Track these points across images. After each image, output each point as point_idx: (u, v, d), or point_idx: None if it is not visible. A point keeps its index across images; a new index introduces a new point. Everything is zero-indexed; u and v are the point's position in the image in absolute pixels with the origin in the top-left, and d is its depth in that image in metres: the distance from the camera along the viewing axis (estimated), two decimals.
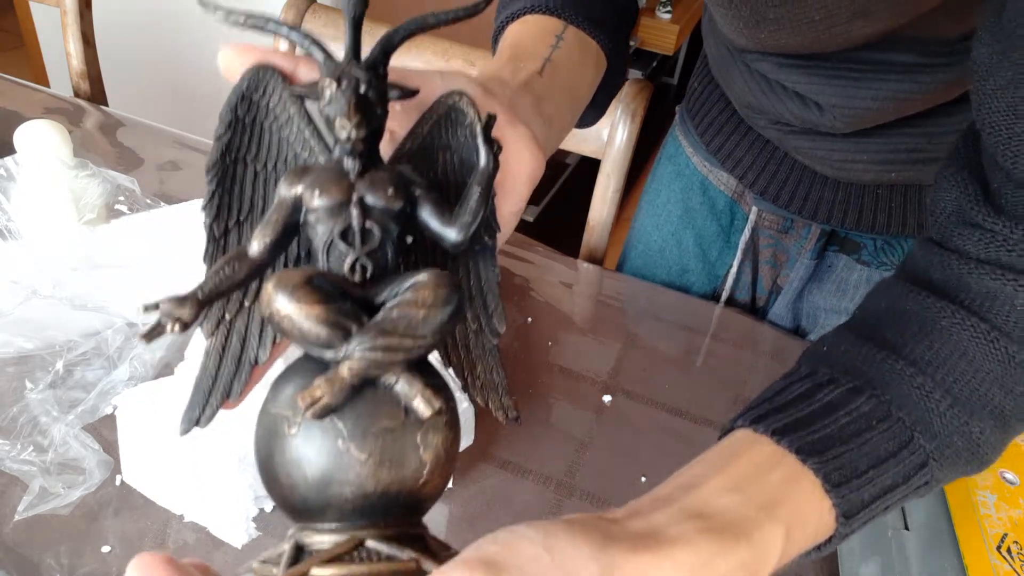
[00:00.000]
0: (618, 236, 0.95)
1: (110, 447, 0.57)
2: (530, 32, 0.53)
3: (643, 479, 0.61)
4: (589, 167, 1.07)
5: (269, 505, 0.55)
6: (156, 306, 0.32)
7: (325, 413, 0.30)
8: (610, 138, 0.91)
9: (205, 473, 0.51)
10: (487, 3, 0.38)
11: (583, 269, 0.87)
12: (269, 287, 0.31)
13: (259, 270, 0.34)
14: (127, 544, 0.52)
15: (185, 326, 0.32)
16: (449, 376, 0.38)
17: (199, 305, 0.32)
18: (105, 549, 0.51)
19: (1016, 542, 0.53)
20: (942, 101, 0.59)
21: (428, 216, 0.35)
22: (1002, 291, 0.40)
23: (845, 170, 0.67)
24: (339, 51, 0.36)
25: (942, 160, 0.45)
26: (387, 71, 0.36)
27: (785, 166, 0.72)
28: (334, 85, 0.33)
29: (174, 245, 0.72)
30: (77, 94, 1.11)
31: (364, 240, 0.33)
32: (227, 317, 0.35)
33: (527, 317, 0.76)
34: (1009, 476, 0.59)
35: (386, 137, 0.38)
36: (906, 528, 0.54)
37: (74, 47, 1.09)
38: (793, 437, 0.39)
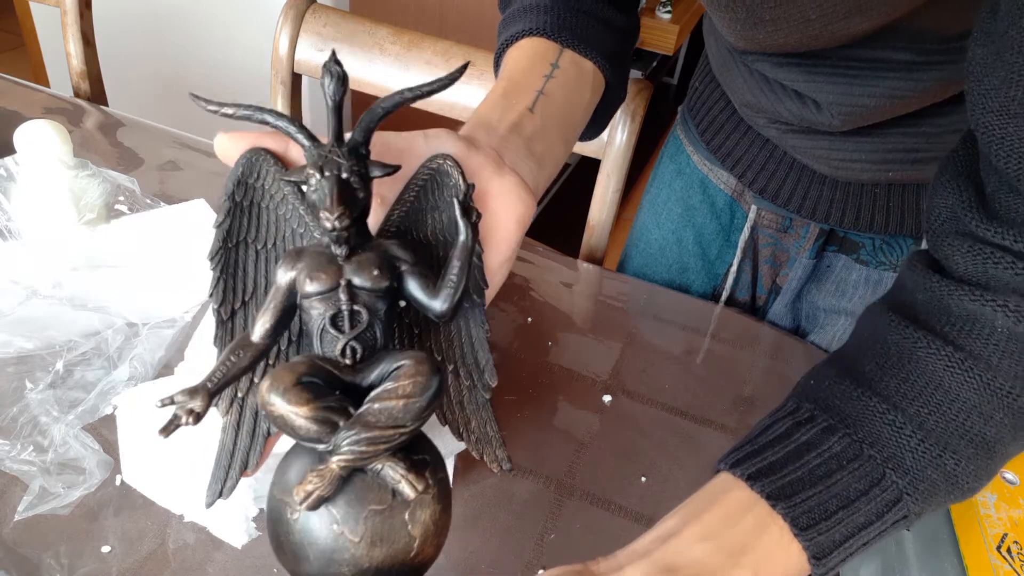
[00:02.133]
0: (618, 236, 0.95)
1: (110, 447, 0.57)
2: (526, 59, 0.54)
3: (643, 479, 0.61)
4: (589, 167, 1.07)
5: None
6: (171, 400, 0.34)
7: (319, 504, 0.33)
8: (610, 138, 0.91)
9: (205, 473, 0.51)
10: (460, 74, 0.40)
11: (583, 269, 0.87)
12: (263, 388, 0.33)
13: (263, 353, 0.37)
14: (127, 544, 0.52)
15: (198, 417, 0.34)
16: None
17: (210, 395, 0.35)
18: (105, 549, 0.51)
19: (1016, 542, 0.53)
20: (938, 100, 0.59)
21: (414, 289, 0.37)
22: (982, 313, 0.40)
23: (843, 169, 0.67)
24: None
25: (939, 163, 0.45)
26: (368, 151, 0.37)
27: (784, 165, 0.73)
28: (317, 175, 0.35)
29: (174, 245, 0.72)
30: (77, 94, 1.11)
31: (352, 324, 0.36)
32: (239, 395, 0.38)
33: (527, 317, 0.76)
34: (1009, 476, 0.59)
35: (377, 202, 0.40)
36: (906, 528, 0.54)
37: (74, 47, 1.10)
38: (765, 482, 0.40)
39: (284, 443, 0.38)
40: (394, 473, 0.33)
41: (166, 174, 0.88)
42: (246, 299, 0.39)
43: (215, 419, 0.38)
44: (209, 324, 0.57)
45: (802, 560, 0.40)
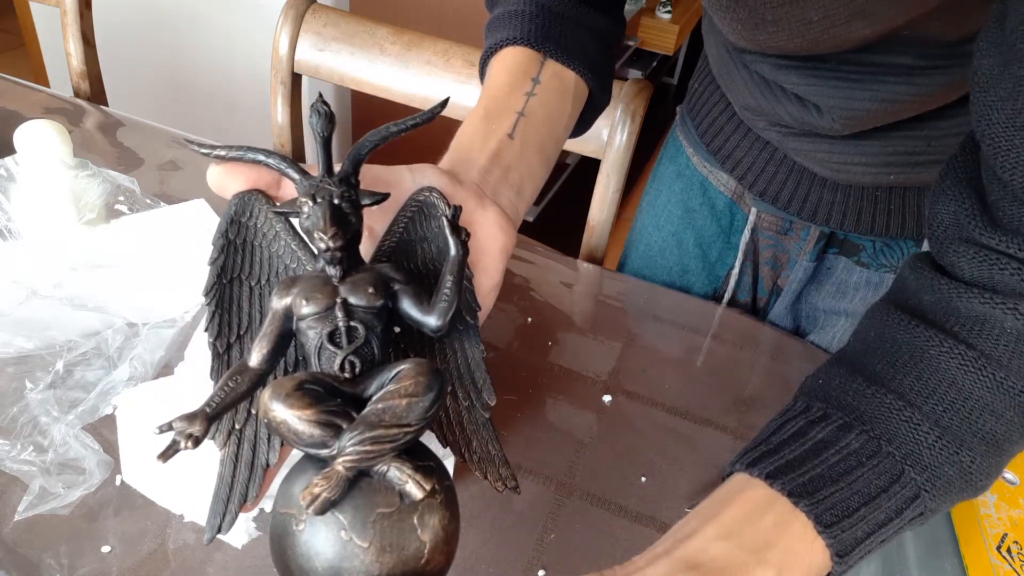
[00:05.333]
0: (618, 236, 0.95)
1: (110, 447, 0.57)
2: (507, 74, 0.55)
3: (643, 479, 0.61)
4: (589, 167, 1.07)
5: (269, 504, 0.55)
6: (170, 426, 0.34)
7: (326, 508, 0.32)
8: (610, 138, 0.91)
9: (205, 473, 0.51)
10: (442, 108, 0.42)
11: (583, 269, 0.87)
12: (264, 396, 0.33)
13: (261, 379, 0.36)
14: (127, 544, 0.52)
15: (197, 441, 0.34)
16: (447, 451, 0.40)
17: (208, 420, 0.34)
18: (105, 549, 0.51)
19: (1016, 542, 0.53)
20: (940, 104, 0.59)
21: (409, 307, 0.38)
22: (991, 315, 0.40)
23: (844, 172, 0.67)
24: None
25: (940, 170, 0.45)
26: (358, 181, 0.38)
27: (784, 168, 0.72)
28: (310, 202, 0.36)
29: (174, 245, 0.72)
30: (77, 94, 1.11)
31: (350, 339, 0.36)
32: (237, 427, 0.38)
33: (527, 317, 0.76)
34: (1009, 476, 0.59)
35: (366, 234, 0.41)
36: (919, 525, 0.54)
37: (74, 47, 1.10)
38: (785, 480, 0.40)
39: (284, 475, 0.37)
40: (400, 474, 0.32)
41: (166, 174, 0.88)
42: (241, 333, 0.39)
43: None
44: None
45: (825, 557, 0.39)
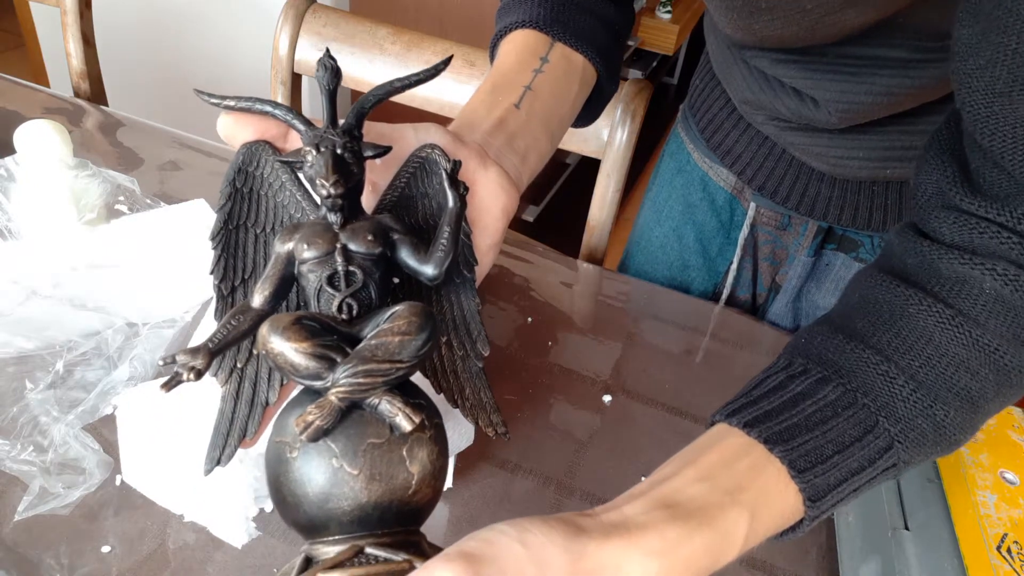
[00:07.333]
0: (618, 236, 0.95)
1: (110, 447, 0.57)
2: (516, 53, 0.56)
3: (643, 479, 0.61)
4: (589, 167, 1.07)
5: (269, 505, 0.55)
6: (173, 359, 0.36)
7: (318, 435, 0.33)
8: (610, 138, 0.91)
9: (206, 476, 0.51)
10: (445, 65, 0.43)
11: (583, 269, 0.87)
12: (263, 330, 0.35)
13: (262, 319, 0.38)
14: (127, 544, 0.52)
15: (199, 374, 0.35)
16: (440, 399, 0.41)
17: (210, 355, 0.36)
18: (105, 549, 0.51)
19: (1016, 542, 0.53)
20: (935, 97, 0.60)
21: (406, 256, 0.40)
22: (971, 275, 0.41)
23: (841, 167, 0.68)
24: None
25: (925, 143, 0.46)
26: (362, 133, 0.40)
27: (783, 163, 0.73)
28: (314, 151, 0.38)
29: (174, 245, 0.72)
30: (77, 94, 1.11)
31: (348, 283, 0.37)
32: (239, 365, 0.39)
33: (527, 317, 0.76)
34: (1009, 476, 0.59)
35: (369, 189, 0.42)
36: (906, 528, 0.54)
37: (74, 47, 1.10)
38: (762, 428, 0.41)
39: None
40: (391, 407, 0.34)
41: (166, 174, 0.88)
42: (245, 277, 0.41)
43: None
44: (209, 324, 0.57)
45: (797, 502, 0.40)
